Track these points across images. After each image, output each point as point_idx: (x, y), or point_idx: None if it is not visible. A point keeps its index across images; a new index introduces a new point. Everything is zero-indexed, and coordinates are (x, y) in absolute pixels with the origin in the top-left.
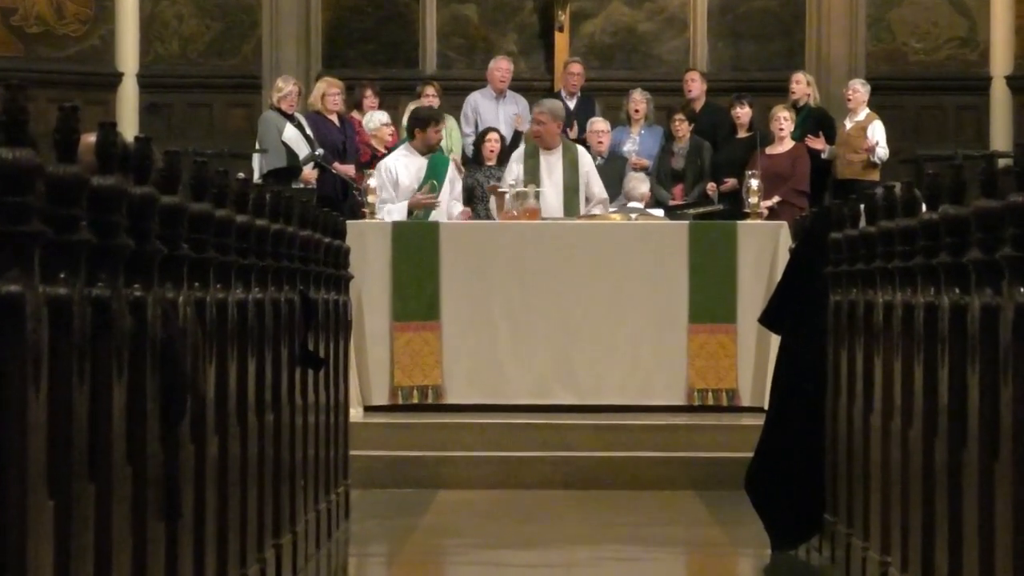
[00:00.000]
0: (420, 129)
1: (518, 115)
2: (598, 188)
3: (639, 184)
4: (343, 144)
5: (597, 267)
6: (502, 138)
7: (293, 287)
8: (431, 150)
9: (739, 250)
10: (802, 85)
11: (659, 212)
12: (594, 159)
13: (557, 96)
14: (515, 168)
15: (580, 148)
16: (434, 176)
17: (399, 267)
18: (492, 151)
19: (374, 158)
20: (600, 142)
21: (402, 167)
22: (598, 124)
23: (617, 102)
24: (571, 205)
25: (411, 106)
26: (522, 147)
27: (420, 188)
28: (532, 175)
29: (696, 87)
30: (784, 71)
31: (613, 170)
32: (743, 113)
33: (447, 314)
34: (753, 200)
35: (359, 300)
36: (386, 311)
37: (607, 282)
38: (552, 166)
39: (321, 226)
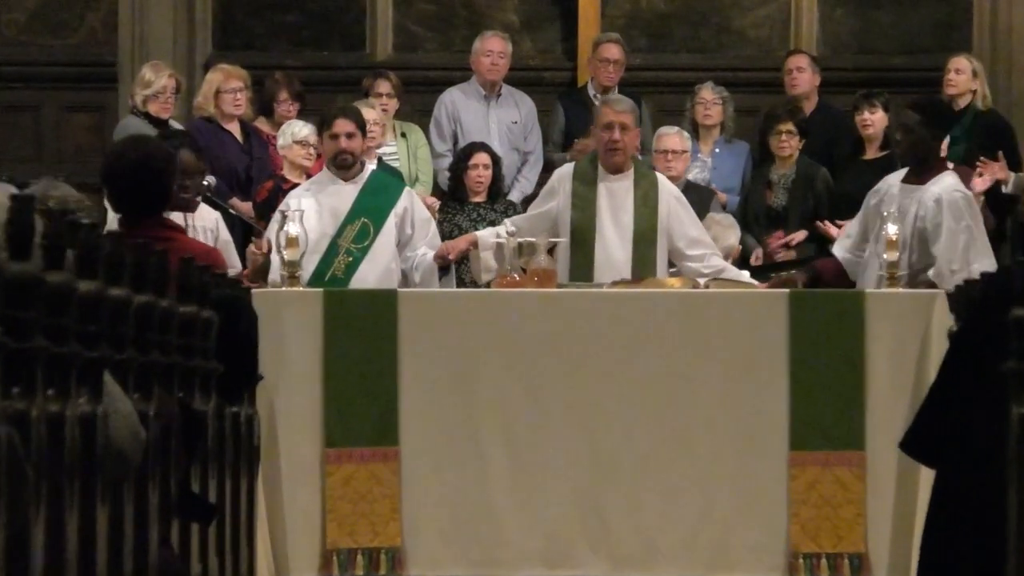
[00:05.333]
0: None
1: (519, 127)
2: (697, 231)
3: (726, 232)
4: (247, 168)
5: (647, 362)
6: (495, 161)
7: (169, 394)
8: (346, 169)
9: (868, 335)
10: (964, 76)
11: (744, 274)
12: None
13: (583, 93)
14: (555, 197)
15: (660, 176)
16: (366, 213)
17: (336, 361)
18: (480, 180)
19: (278, 192)
20: (670, 166)
21: (311, 203)
22: (670, 139)
23: (676, 103)
24: (644, 261)
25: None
26: (569, 166)
27: (341, 233)
28: (584, 210)
29: (804, 80)
30: (938, 54)
31: (693, 208)
32: (874, 120)
33: (410, 436)
34: (891, 257)
35: (272, 413)
36: (315, 431)
37: (662, 386)
38: (619, 199)
39: (212, 298)
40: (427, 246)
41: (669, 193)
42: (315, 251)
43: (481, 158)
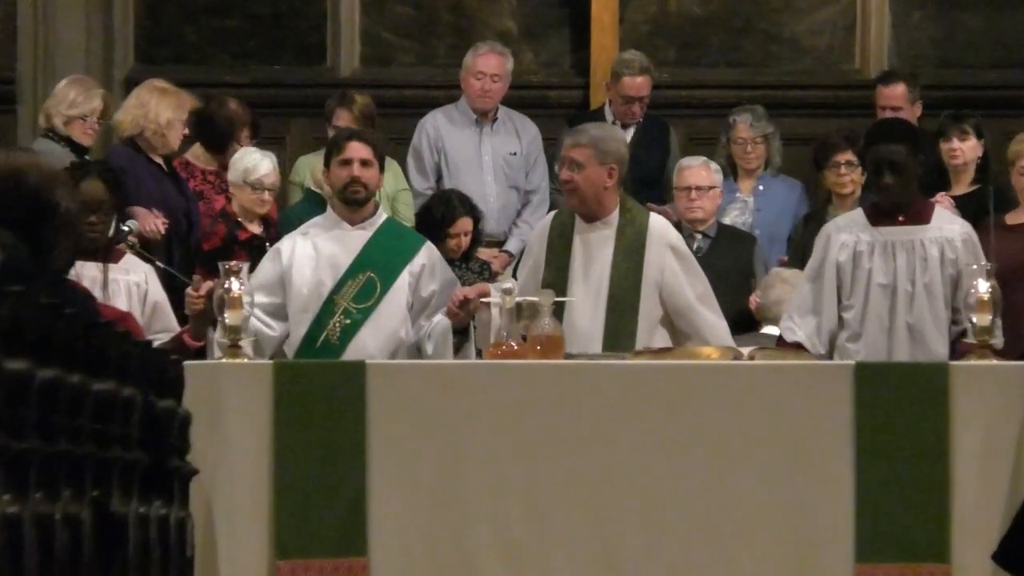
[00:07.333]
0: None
1: (518, 159)
2: (701, 288)
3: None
4: (186, 212)
5: (677, 453)
6: (477, 219)
7: (81, 495)
8: (356, 206)
9: (954, 419)
10: None
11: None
12: (688, 238)
13: (597, 118)
14: (531, 256)
15: (654, 217)
16: (374, 266)
17: (289, 451)
18: (457, 248)
19: (233, 243)
20: (695, 206)
21: (307, 249)
22: (693, 172)
23: (710, 128)
24: (619, 329)
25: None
26: (549, 217)
27: (340, 288)
28: (559, 269)
29: (897, 100)
30: None
31: (728, 261)
32: (965, 148)
33: (381, 544)
34: (982, 319)
35: (209, 516)
36: (263, 538)
37: (696, 481)
38: (593, 253)
39: (135, 372)
40: (443, 314)
41: (662, 242)
42: (306, 309)
43: (464, 225)
